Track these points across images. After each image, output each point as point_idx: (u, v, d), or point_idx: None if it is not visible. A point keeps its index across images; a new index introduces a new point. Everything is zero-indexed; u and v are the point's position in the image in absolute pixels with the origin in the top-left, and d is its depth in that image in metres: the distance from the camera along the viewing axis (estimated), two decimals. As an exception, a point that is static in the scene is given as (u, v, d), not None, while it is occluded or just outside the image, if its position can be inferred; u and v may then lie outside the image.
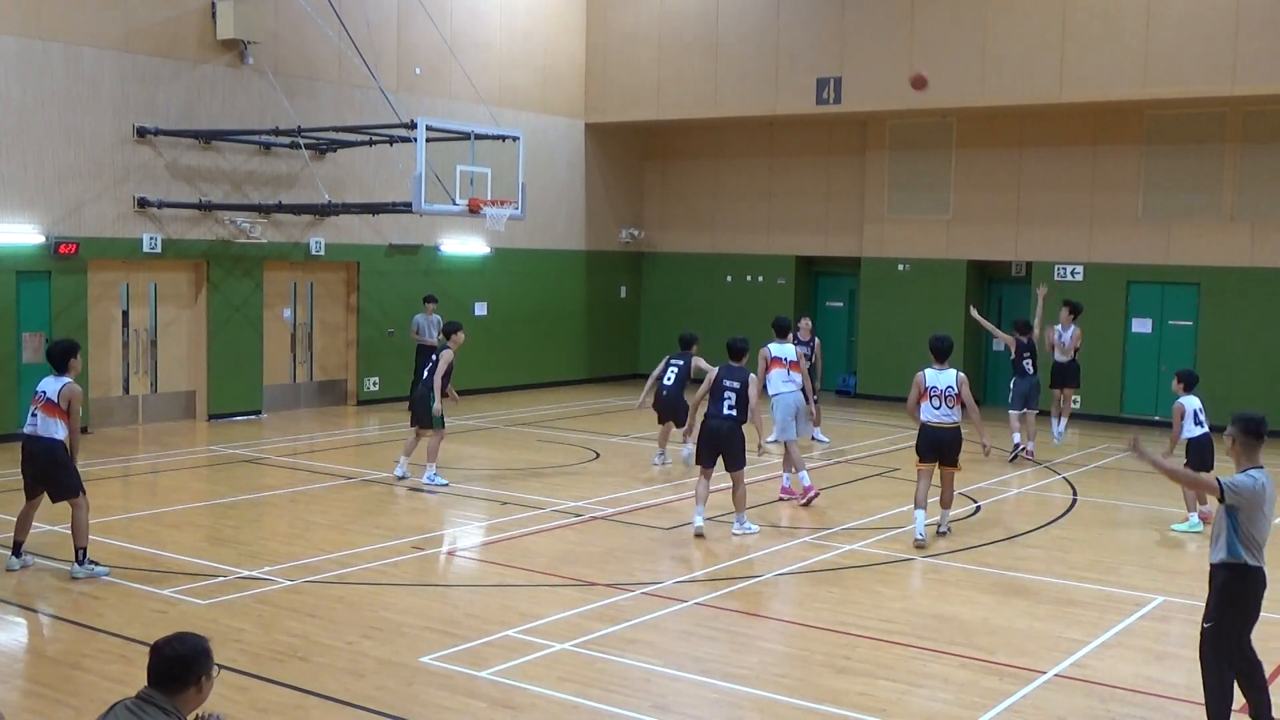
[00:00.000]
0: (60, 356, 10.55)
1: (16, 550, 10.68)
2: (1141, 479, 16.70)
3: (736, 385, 12.34)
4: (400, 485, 14.67)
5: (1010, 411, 17.84)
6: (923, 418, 12.16)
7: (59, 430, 10.38)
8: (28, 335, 17.35)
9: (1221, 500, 7.06)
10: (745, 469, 12.44)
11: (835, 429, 20.85)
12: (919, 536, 12.01)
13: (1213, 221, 21.21)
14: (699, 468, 12.54)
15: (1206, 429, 13.05)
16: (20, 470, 10.66)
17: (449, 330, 15.12)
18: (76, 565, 10.42)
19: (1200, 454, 12.87)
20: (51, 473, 10.38)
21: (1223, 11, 19.41)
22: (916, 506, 12.14)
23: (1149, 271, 21.79)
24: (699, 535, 12.18)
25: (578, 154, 25.84)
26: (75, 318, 17.85)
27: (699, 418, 12.92)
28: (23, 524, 10.71)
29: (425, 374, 14.98)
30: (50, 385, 10.46)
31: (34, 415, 10.46)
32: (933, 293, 23.67)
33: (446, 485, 14.60)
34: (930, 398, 12.09)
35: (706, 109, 24.41)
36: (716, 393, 12.37)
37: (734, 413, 12.28)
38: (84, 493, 10.54)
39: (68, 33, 17.45)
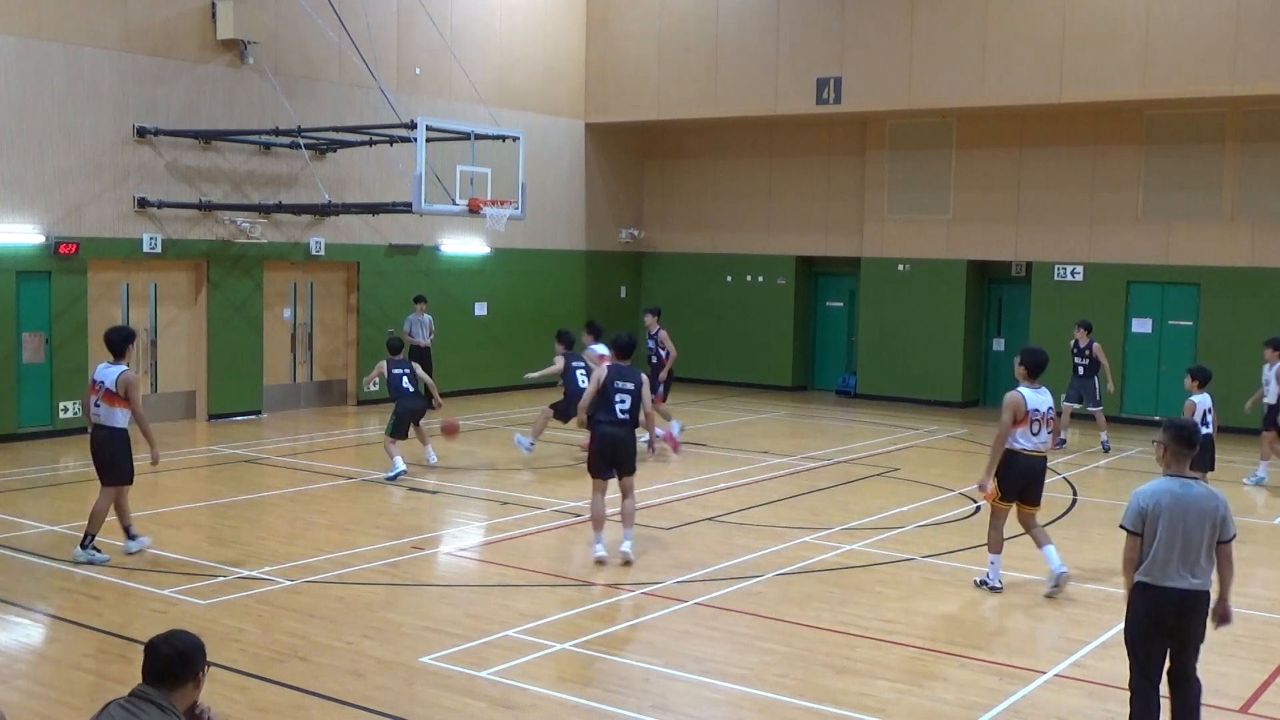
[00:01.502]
0: (122, 343, 10.87)
1: (128, 533, 11.11)
2: (1142, 479, 16.69)
3: (630, 387, 11.18)
4: (419, 479, 15.07)
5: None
6: (1017, 445, 10.43)
7: (121, 418, 10.78)
8: (27, 335, 17.36)
9: None
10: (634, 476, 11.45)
11: (835, 429, 20.86)
12: (996, 584, 10.60)
13: (1213, 221, 21.21)
14: (594, 482, 11.34)
15: (1211, 429, 13.03)
16: (91, 459, 11.03)
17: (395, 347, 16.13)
18: (79, 549, 10.78)
19: (1202, 454, 12.85)
20: (112, 458, 10.77)
21: (1223, 11, 19.41)
22: (994, 551, 10.63)
23: (1149, 271, 21.79)
24: (600, 562, 11.05)
25: (578, 154, 25.84)
26: (75, 318, 17.85)
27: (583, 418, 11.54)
28: (121, 511, 11.09)
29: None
30: (107, 374, 10.77)
31: (96, 405, 10.80)
32: (933, 293, 23.67)
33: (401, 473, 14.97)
34: (1031, 422, 10.40)
35: (707, 109, 24.41)
36: (607, 396, 11.15)
37: (628, 417, 11.19)
38: (130, 483, 11.01)
39: (68, 33, 17.45)
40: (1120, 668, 8.68)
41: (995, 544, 10.59)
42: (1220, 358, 20.96)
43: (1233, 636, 9.39)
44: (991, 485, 10.48)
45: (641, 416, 11.39)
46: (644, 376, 11.33)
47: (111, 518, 11.05)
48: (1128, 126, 21.76)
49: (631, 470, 11.37)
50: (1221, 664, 8.81)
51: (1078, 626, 9.63)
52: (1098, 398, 18.59)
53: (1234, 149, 20.96)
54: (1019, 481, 10.46)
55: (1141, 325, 22.04)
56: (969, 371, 23.76)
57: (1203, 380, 13.26)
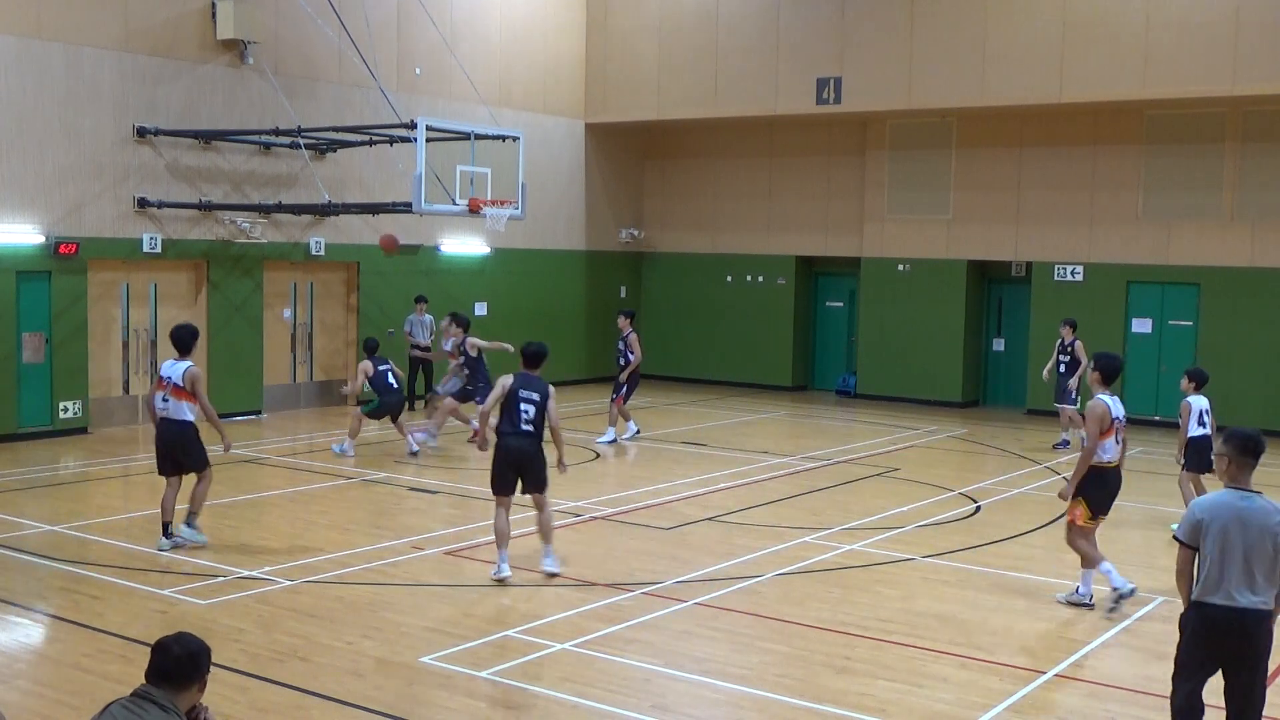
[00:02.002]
0: (190, 339, 11.32)
1: (165, 531, 11.32)
2: (1141, 479, 16.71)
3: (535, 397, 10.52)
4: (415, 458, 16.17)
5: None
6: (1106, 458, 9.98)
7: (189, 412, 11.27)
8: (27, 335, 17.35)
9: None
10: (548, 490, 10.78)
11: (835, 429, 20.87)
12: (1088, 600, 10.12)
13: (1213, 221, 21.21)
14: (496, 499, 10.69)
15: (1209, 430, 13.02)
16: (155, 451, 11.49)
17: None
18: (184, 526, 11.42)
19: (1200, 455, 12.84)
20: (187, 450, 11.32)
21: (1222, 12, 19.42)
22: (1090, 566, 10.12)
23: (1149, 271, 21.79)
24: (501, 581, 10.39)
25: (578, 154, 25.84)
26: (75, 318, 17.86)
27: (489, 431, 10.96)
28: (167, 506, 11.37)
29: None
30: (174, 369, 11.22)
31: (164, 400, 11.24)
32: (933, 293, 23.67)
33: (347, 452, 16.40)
34: (1116, 432, 9.96)
35: (707, 109, 24.41)
36: (511, 405, 10.53)
37: (531, 429, 10.50)
38: (209, 466, 11.57)
39: (68, 33, 17.45)
40: (1121, 668, 8.70)
41: (1092, 559, 10.05)
42: (1220, 358, 20.99)
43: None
44: (1081, 509, 9.98)
45: (549, 431, 10.64)
46: (551, 389, 10.62)
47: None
48: (1128, 126, 21.76)
49: (539, 486, 10.62)
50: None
51: (1077, 626, 9.63)
52: (1074, 396, 18.53)
53: (1234, 149, 20.96)
54: (1109, 496, 10.06)
55: (1141, 325, 22.04)
56: (969, 372, 23.75)
57: (1199, 382, 13.25)
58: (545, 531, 10.77)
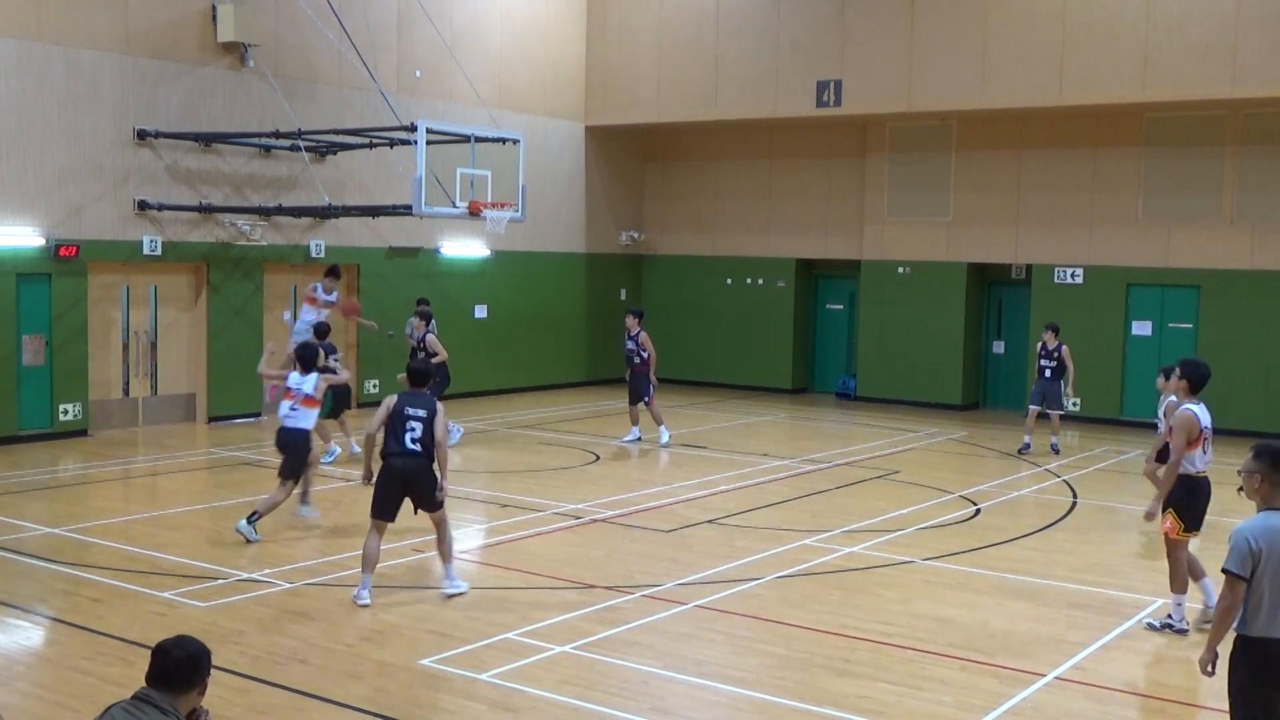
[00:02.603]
0: (315, 359, 12.61)
1: (251, 518, 11.89)
2: (1141, 481, 16.70)
3: (422, 414, 10.02)
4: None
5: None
6: (1194, 469, 9.57)
7: (310, 420, 12.35)
8: (28, 338, 17.36)
9: None
10: (443, 509, 10.22)
11: (835, 432, 20.89)
12: (1182, 625, 9.59)
13: (1213, 224, 21.21)
14: (372, 522, 10.11)
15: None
16: (282, 453, 12.22)
17: (427, 314, 16.98)
18: (301, 506, 12.62)
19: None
20: (304, 453, 12.24)
21: (1222, 14, 19.42)
22: (1180, 590, 9.67)
23: (1149, 274, 21.79)
24: (364, 606, 9.82)
25: (578, 156, 25.85)
26: (75, 320, 17.86)
27: (374, 458, 10.32)
28: (272, 507, 11.96)
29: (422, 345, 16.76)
30: (305, 381, 12.33)
31: (293, 409, 12.25)
32: (933, 295, 23.67)
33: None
34: (1204, 442, 9.59)
35: (707, 111, 24.42)
36: (397, 424, 10.00)
37: (419, 448, 9.97)
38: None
39: (68, 35, 17.46)
40: (1120, 671, 8.70)
41: (1182, 582, 9.60)
42: (1220, 360, 20.95)
43: (1232, 638, 9.39)
44: (1170, 520, 9.57)
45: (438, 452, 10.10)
46: (439, 406, 10.18)
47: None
48: (1127, 129, 21.76)
49: (432, 505, 10.05)
50: (1220, 667, 8.80)
51: (1077, 629, 9.63)
52: (1061, 401, 18.48)
53: (1234, 151, 20.96)
54: (1201, 508, 9.65)
55: (1141, 328, 22.03)
56: (969, 374, 23.75)
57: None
58: (444, 552, 10.21)
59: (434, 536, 10.29)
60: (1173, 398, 12.96)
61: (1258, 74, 19.19)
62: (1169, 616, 9.64)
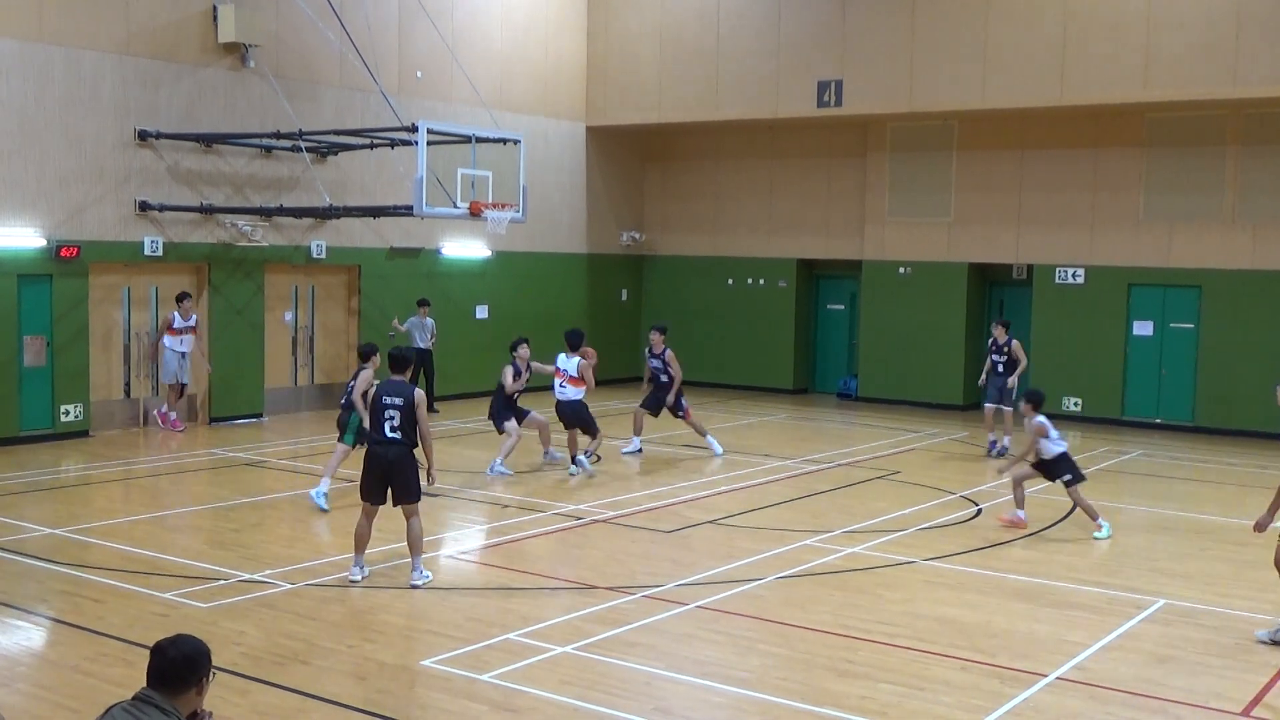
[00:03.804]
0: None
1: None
2: (1142, 481, 16.71)
3: (399, 403, 10.26)
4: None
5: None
6: None
7: (580, 393, 14.00)
8: (29, 339, 17.36)
9: None
10: (419, 503, 10.49)
11: (836, 432, 20.88)
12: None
13: (1214, 224, 21.20)
14: (362, 506, 10.53)
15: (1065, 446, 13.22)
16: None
17: (367, 354, 13.90)
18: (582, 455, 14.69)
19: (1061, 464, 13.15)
20: (586, 417, 14.00)
21: (1223, 14, 19.42)
22: None
23: (1150, 274, 21.78)
24: (354, 582, 10.38)
25: (579, 157, 25.86)
26: (76, 321, 17.87)
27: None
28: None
29: (347, 391, 13.85)
30: (570, 363, 13.12)
31: (562, 386, 14.00)
32: (934, 295, 23.67)
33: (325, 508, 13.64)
34: None
35: (707, 112, 24.42)
36: (376, 413, 10.34)
37: (399, 435, 10.25)
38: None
39: (69, 36, 17.47)
40: (1122, 671, 8.69)
41: None
42: (1221, 360, 21.00)
43: (1234, 640, 9.40)
44: None
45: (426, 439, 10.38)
46: (418, 392, 10.32)
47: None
48: (1128, 129, 21.75)
49: (408, 497, 10.35)
50: (1221, 667, 8.80)
51: (1078, 629, 9.62)
52: (1013, 397, 17.94)
53: (1235, 152, 20.96)
54: None
55: (1143, 328, 22.02)
56: (970, 375, 23.72)
57: (1037, 403, 13.27)
58: (413, 544, 10.42)
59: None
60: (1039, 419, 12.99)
61: (1259, 74, 19.19)
62: None
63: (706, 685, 8.21)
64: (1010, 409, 18.11)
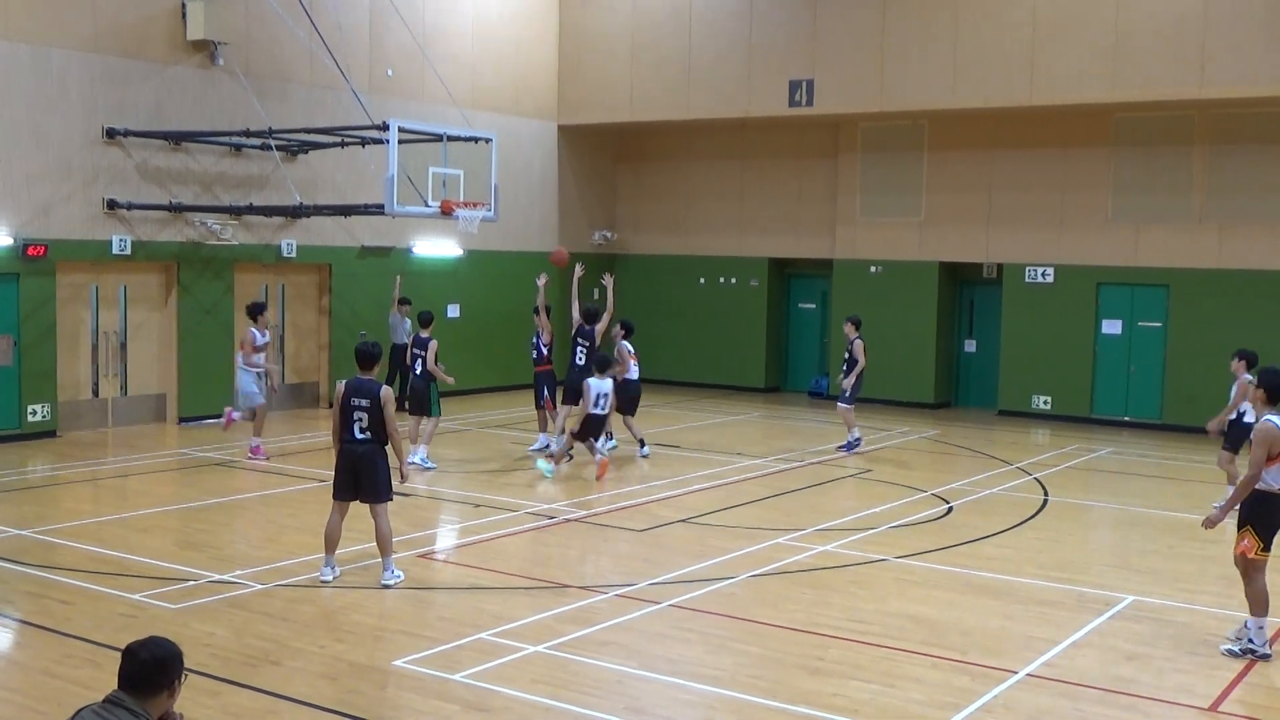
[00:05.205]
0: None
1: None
2: (1111, 479, 16.83)
3: (365, 403, 10.22)
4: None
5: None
6: (1276, 486, 8.80)
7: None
8: (-5, 338, 17.20)
9: None
10: (388, 503, 10.50)
11: (808, 430, 20.93)
12: (1265, 650, 8.96)
13: (1181, 223, 21.37)
14: (333, 504, 10.59)
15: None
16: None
17: (426, 321, 16.32)
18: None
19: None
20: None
21: (1191, 15, 19.57)
22: (1261, 613, 8.96)
23: (1118, 273, 21.94)
24: (324, 582, 10.39)
25: (550, 156, 25.82)
26: (44, 320, 17.71)
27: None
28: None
29: (418, 366, 16.03)
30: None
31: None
32: (905, 294, 23.77)
33: (434, 468, 15.81)
34: None
35: (679, 111, 24.43)
36: (345, 412, 10.29)
37: (368, 435, 10.24)
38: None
39: (36, 33, 17.31)
40: (1091, 667, 8.74)
41: (1263, 604, 8.91)
42: (1189, 359, 21.17)
43: (1201, 635, 9.48)
44: (1248, 538, 8.88)
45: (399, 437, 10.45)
46: (386, 390, 10.27)
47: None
48: (1097, 129, 21.90)
49: (375, 496, 10.36)
50: (1190, 663, 8.87)
51: (1049, 626, 9.68)
52: (847, 395, 18.05)
53: (1202, 151, 21.13)
54: (1275, 528, 8.94)
55: (1111, 326, 22.18)
56: (941, 373, 23.85)
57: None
58: (382, 544, 10.41)
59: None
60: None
61: (1225, 74, 19.35)
62: (1249, 641, 8.98)
63: (679, 684, 8.22)
64: (846, 405, 18.05)
